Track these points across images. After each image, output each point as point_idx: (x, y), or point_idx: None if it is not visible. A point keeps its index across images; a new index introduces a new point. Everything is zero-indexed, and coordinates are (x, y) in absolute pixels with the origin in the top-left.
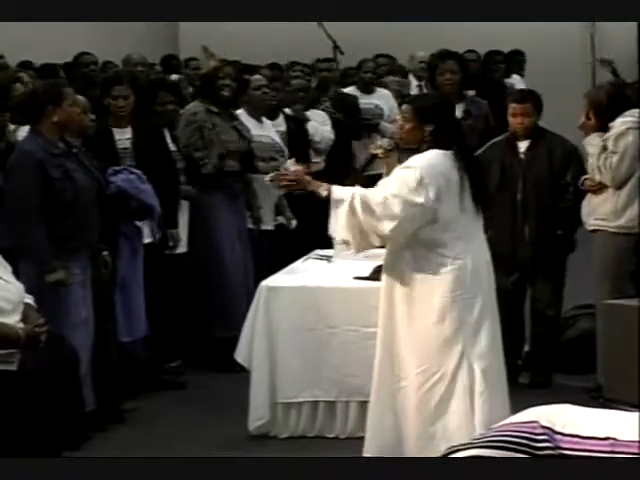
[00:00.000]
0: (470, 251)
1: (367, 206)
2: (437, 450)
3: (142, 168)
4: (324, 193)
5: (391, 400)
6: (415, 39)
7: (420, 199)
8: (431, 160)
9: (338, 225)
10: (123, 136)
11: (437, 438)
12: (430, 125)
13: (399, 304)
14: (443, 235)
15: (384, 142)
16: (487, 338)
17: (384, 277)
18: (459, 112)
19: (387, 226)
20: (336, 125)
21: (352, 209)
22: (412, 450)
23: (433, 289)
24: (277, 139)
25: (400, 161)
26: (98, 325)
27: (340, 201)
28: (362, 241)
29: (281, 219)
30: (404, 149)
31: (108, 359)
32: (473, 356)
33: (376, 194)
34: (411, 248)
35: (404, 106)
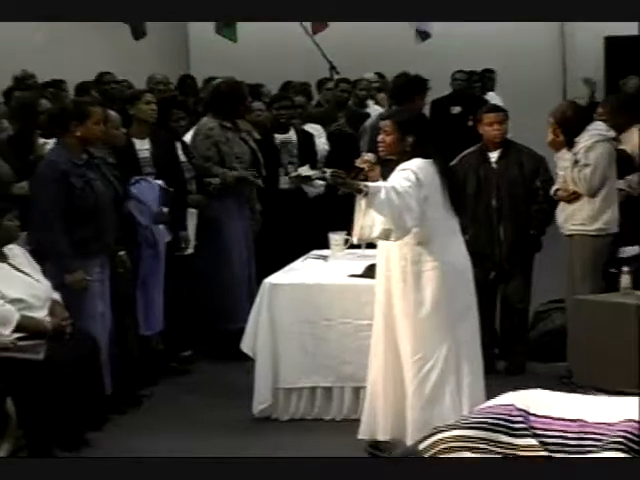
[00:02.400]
0: (454, 249)
1: (401, 197)
2: None
3: (159, 176)
4: (364, 189)
5: (394, 388)
6: (404, 59)
7: (421, 195)
8: (420, 165)
9: (378, 217)
10: (143, 146)
11: (434, 422)
12: (411, 136)
13: (396, 298)
14: (431, 234)
15: (370, 156)
16: (470, 327)
17: (382, 273)
18: None
19: (408, 217)
20: (349, 140)
21: (389, 199)
22: (412, 434)
23: (425, 284)
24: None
25: (383, 174)
26: (118, 319)
27: (376, 194)
28: (399, 230)
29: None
30: (385, 161)
31: (127, 349)
32: (459, 344)
33: (397, 188)
34: (406, 246)
35: (385, 121)
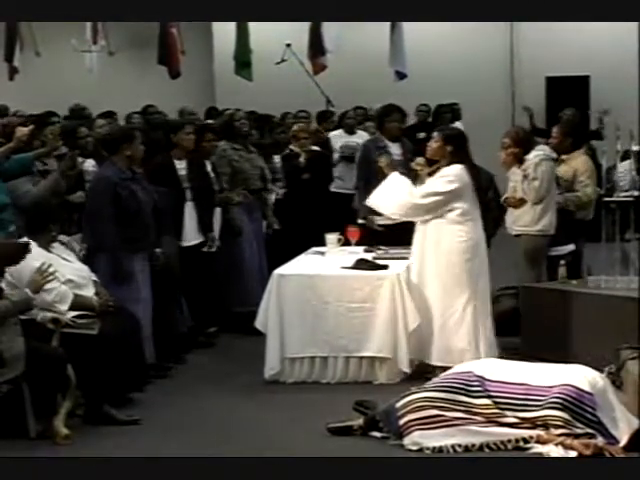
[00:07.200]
0: (476, 228)
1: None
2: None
3: (193, 190)
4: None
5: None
6: (384, 94)
7: (451, 190)
8: (456, 171)
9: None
10: (181, 165)
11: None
12: (450, 146)
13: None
14: (461, 217)
15: (420, 160)
16: (483, 288)
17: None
18: (399, 149)
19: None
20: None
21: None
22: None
23: (452, 253)
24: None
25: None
26: (162, 302)
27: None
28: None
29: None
30: (431, 162)
31: (168, 327)
32: (476, 300)
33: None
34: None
35: (435, 133)
